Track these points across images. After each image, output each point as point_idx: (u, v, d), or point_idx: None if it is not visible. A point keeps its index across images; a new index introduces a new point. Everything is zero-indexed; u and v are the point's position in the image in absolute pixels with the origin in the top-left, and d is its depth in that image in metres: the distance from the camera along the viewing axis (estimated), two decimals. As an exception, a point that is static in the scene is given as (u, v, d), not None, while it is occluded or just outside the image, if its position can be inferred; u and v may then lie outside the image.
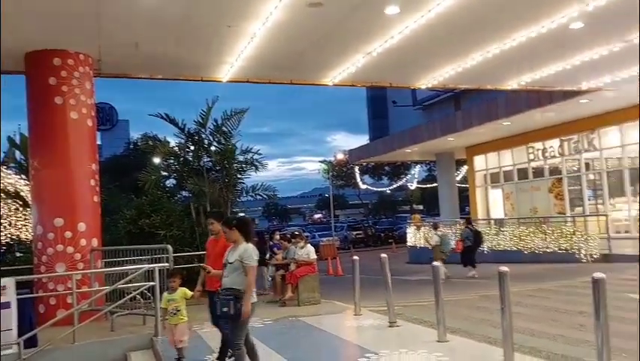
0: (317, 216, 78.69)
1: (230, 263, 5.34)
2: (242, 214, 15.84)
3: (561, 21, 10.11)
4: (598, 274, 4.47)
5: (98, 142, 11.33)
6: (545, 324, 7.15)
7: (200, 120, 14.23)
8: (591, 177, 21.89)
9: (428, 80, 14.02)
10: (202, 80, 11.86)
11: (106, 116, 63.83)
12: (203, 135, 14.37)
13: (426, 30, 10.01)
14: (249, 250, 5.34)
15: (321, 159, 58.21)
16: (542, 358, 5.52)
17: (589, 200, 21.80)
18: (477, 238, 16.61)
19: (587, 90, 16.11)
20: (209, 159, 14.56)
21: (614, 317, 6.08)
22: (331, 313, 9.33)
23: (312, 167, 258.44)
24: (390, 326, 7.57)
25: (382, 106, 44.17)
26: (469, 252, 16.04)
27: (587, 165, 21.96)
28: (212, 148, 14.44)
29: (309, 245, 11.35)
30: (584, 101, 17.72)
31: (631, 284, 9.60)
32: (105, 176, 14.19)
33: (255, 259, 5.33)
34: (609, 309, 4.42)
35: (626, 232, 19.78)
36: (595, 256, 15.50)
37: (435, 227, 16.79)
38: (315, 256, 11.23)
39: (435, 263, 7.04)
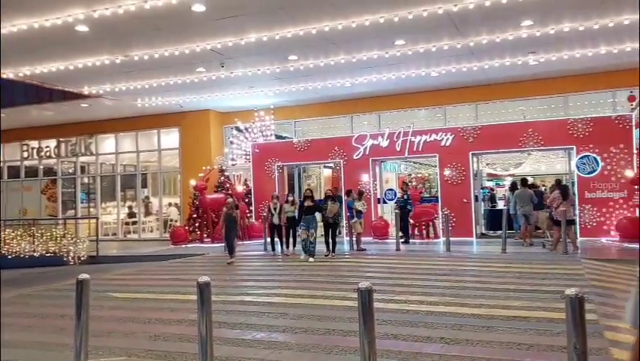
0: None
1: None
2: None
3: (67, 20, 9.96)
4: (82, 276, 4.50)
5: None
6: (25, 333, 6.68)
7: None
8: (86, 180, 22.42)
9: None
10: None
11: None
12: None
13: None
14: None
15: None
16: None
17: (82, 203, 22.25)
18: None
19: (89, 95, 16.45)
20: None
21: (96, 317, 6.27)
22: None
23: None
24: None
25: None
26: None
27: (83, 169, 22.41)
28: None
29: None
30: (85, 105, 18.05)
31: (114, 284, 10.21)
32: None
33: None
34: (92, 309, 4.49)
35: (114, 234, 21.17)
36: (83, 258, 15.78)
37: None
38: None
39: None
